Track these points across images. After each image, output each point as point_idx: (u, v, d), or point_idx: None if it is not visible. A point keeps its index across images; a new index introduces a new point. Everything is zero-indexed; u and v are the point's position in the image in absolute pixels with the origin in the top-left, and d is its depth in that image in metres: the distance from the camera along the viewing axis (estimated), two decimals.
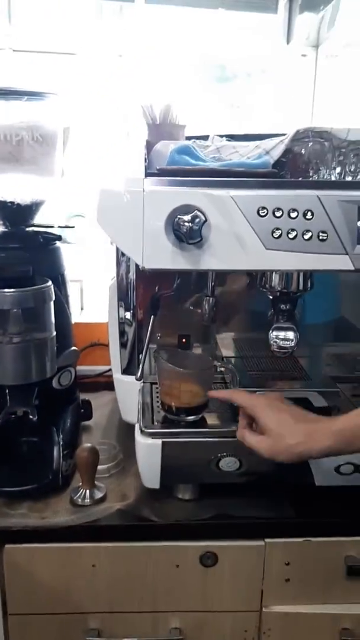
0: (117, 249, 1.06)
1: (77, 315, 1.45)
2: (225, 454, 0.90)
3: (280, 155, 0.90)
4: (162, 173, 0.83)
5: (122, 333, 1.12)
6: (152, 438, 0.90)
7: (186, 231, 0.78)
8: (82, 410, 1.21)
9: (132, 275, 1.08)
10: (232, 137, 1.07)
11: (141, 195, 0.79)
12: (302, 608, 0.96)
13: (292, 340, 0.90)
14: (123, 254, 1.06)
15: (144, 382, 1.06)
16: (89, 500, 0.95)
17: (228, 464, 0.91)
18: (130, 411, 1.07)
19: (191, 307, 1.07)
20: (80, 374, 1.23)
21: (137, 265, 0.95)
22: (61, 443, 1.04)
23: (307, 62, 1.71)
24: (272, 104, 1.72)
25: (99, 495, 0.96)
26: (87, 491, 0.96)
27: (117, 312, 1.12)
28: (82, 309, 1.63)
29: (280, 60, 1.71)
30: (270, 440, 0.78)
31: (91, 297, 1.62)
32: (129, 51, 1.63)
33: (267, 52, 1.70)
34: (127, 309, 1.11)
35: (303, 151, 0.90)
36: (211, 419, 0.96)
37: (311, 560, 0.94)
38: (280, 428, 0.78)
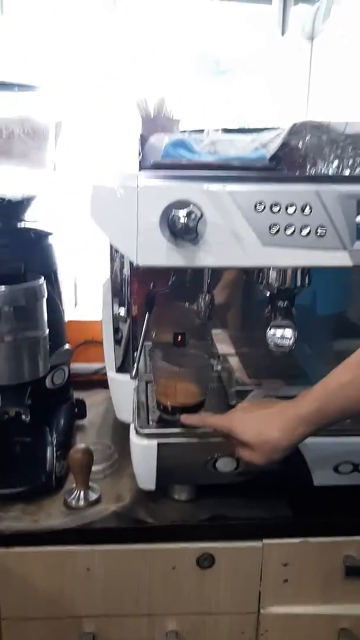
0: (111, 245, 1.04)
1: (71, 312, 1.43)
2: (222, 454, 0.89)
3: (277, 149, 0.88)
4: (156, 167, 0.81)
5: (116, 330, 1.11)
6: (148, 439, 0.88)
7: (181, 227, 0.76)
8: (76, 410, 1.19)
9: (127, 271, 1.06)
10: (228, 131, 1.05)
11: (135, 190, 0.77)
12: (300, 609, 0.96)
13: (290, 338, 0.88)
14: (117, 250, 1.04)
15: (138, 381, 1.04)
16: (83, 502, 0.94)
17: (225, 464, 0.90)
18: (125, 410, 1.05)
19: (187, 304, 1.06)
20: (73, 372, 1.21)
21: (131, 262, 0.93)
22: (54, 443, 1.02)
23: (303, 53, 1.69)
24: (268, 96, 1.70)
25: (93, 496, 0.95)
26: (81, 493, 0.94)
27: (111, 309, 1.10)
28: (76, 304, 1.61)
29: (275, 52, 1.69)
30: (257, 450, 0.79)
31: (85, 293, 1.60)
32: (123, 45, 1.60)
33: (262, 44, 1.68)
34: (121, 306, 1.09)
35: (300, 145, 0.88)
36: None
37: (309, 561, 0.93)
38: (256, 436, 0.79)
